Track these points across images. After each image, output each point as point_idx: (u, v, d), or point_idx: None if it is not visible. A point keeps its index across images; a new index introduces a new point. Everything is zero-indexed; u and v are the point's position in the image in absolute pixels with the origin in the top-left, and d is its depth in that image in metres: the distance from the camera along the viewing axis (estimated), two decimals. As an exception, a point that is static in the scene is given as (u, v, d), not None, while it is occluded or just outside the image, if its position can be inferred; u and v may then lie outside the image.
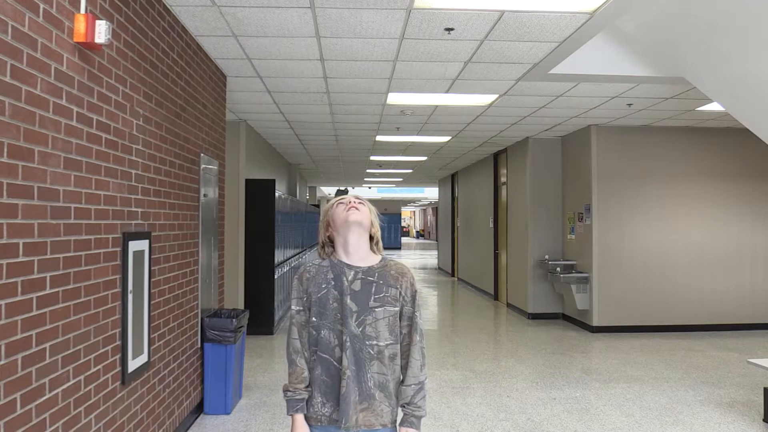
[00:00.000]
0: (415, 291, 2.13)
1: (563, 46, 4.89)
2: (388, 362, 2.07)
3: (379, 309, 2.06)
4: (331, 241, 2.18)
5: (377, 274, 2.10)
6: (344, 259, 2.12)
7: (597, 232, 8.74)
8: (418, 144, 10.81)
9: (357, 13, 4.20)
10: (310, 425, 2.11)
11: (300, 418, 2.09)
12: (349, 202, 2.13)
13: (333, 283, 2.09)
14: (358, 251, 2.11)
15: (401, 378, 2.11)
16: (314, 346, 2.10)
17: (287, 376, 2.16)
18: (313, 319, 2.09)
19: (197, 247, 4.88)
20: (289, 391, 2.11)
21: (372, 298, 2.07)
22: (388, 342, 2.07)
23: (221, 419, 4.92)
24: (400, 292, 2.10)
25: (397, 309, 2.09)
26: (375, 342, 2.05)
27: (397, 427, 2.12)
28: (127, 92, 3.37)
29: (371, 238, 2.16)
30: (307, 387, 2.11)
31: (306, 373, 2.11)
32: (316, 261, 2.18)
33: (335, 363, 2.06)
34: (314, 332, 2.09)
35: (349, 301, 2.05)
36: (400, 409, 2.13)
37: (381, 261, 2.15)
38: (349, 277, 2.08)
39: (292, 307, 2.15)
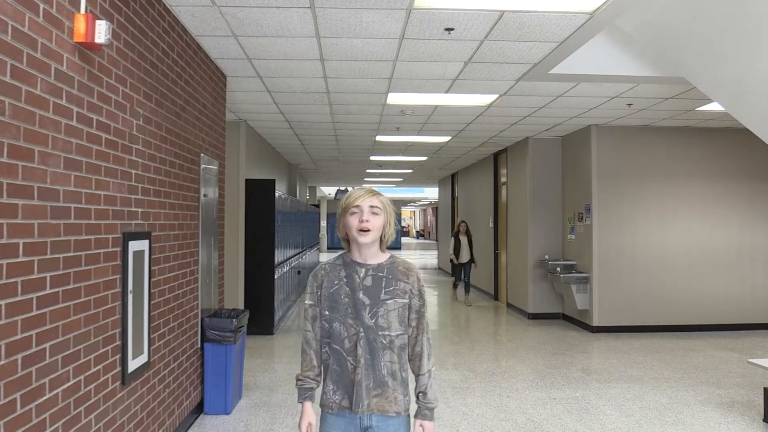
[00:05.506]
0: (422, 286, 2.30)
1: (563, 46, 4.89)
2: (399, 351, 2.23)
3: (390, 301, 2.22)
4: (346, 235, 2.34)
5: (386, 269, 2.27)
6: (357, 258, 2.28)
7: (597, 232, 8.74)
8: (418, 144, 10.81)
9: (357, 13, 4.20)
10: (323, 412, 2.25)
11: (308, 405, 2.27)
12: (361, 221, 2.18)
13: (345, 280, 2.25)
14: (369, 253, 2.27)
15: (418, 366, 2.26)
16: (327, 338, 2.25)
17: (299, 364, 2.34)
18: (326, 312, 2.25)
19: (197, 247, 4.88)
20: (300, 379, 2.29)
21: (383, 291, 2.23)
22: (398, 332, 2.23)
23: (221, 419, 4.93)
24: (410, 287, 2.26)
25: (405, 301, 2.25)
26: (387, 332, 2.21)
27: (412, 419, 2.26)
28: (127, 92, 3.37)
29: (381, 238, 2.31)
30: (316, 376, 2.28)
31: (315, 362, 2.28)
32: (331, 261, 2.34)
33: (344, 353, 2.21)
34: (326, 325, 2.25)
35: (362, 295, 2.22)
36: (414, 399, 2.29)
37: (389, 258, 2.31)
38: (361, 275, 2.25)
39: (306, 301, 2.32)
